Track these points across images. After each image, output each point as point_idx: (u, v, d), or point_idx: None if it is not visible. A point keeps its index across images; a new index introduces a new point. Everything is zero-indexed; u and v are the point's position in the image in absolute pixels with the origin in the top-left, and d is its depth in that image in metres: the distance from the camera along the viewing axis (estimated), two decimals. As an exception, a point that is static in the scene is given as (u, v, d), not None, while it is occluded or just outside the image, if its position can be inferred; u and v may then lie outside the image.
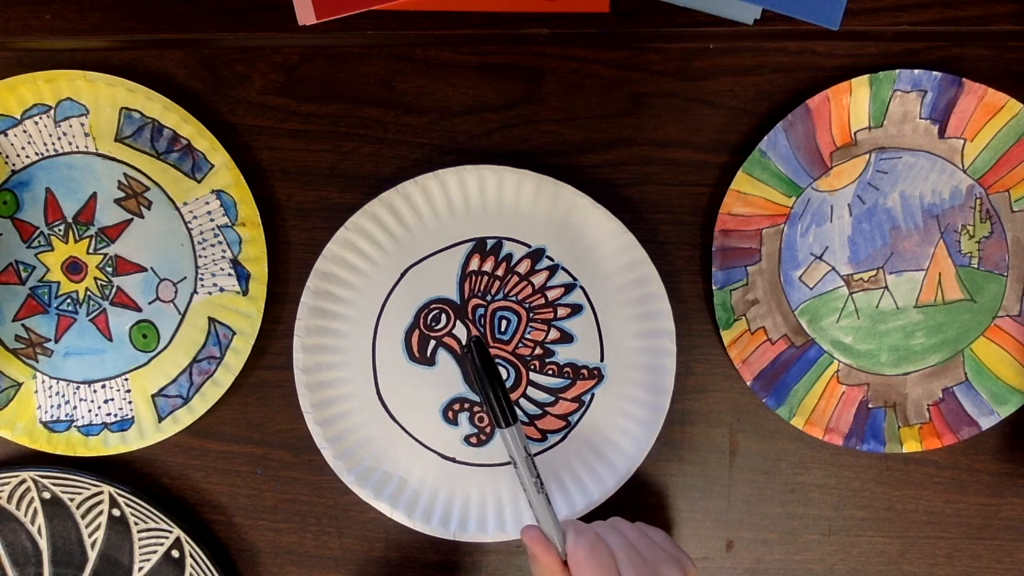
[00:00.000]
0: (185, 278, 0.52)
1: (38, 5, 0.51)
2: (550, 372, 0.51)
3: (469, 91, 0.51)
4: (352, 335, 0.52)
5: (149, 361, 0.52)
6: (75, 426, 0.53)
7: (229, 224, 0.51)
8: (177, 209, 0.52)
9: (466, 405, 0.52)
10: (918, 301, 0.50)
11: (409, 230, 0.51)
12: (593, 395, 0.52)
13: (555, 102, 0.51)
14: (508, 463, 0.52)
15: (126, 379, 0.53)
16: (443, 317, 0.51)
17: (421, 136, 0.51)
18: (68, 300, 0.52)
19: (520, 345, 0.51)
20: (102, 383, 0.53)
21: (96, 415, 0.53)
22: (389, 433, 0.52)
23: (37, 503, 0.54)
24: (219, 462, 0.54)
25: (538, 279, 0.51)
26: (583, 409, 0.52)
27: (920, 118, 0.49)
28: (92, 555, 0.54)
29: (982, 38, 0.49)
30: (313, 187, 0.52)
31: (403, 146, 0.51)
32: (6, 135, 0.51)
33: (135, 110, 0.50)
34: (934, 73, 0.48)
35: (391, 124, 0.51)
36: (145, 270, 0.52)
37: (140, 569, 0.54)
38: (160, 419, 0.52)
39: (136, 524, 0.53)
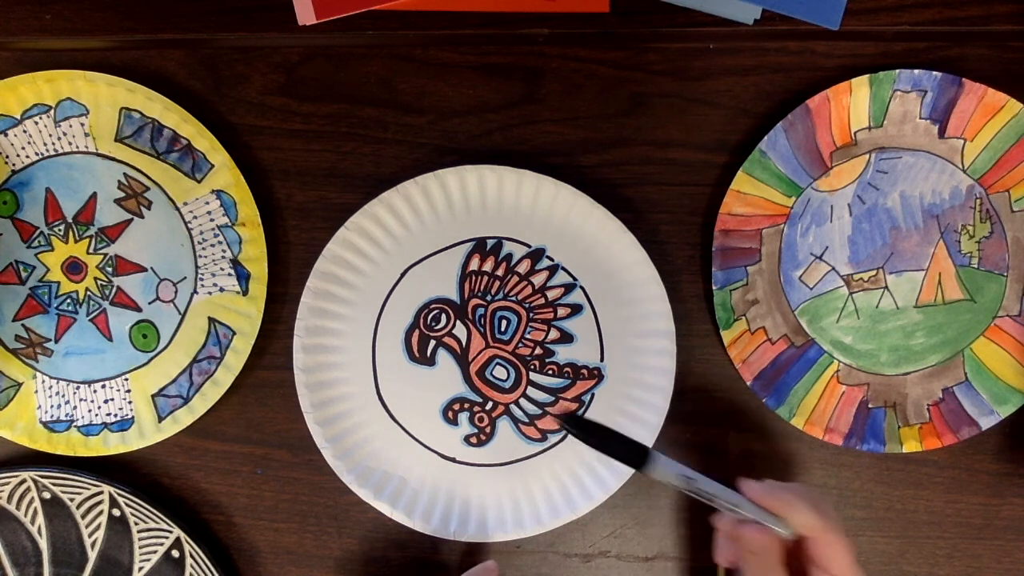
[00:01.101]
0: (185, 278, 0.52)
1: (38, 5, 0.51)
2: (550, 372, 0.51)
3: (469, 91, 0.51)
4: (352, 335, 0.52)
5: (149, 361, 0.52)
6: (75, 426, 0.53)
7: (229, 224, 0.51)
8: (177, 209, 0.52)
9: (466, 405, 0.52)
10: (918, 301, 0.50)
11: (409, 230, 0.51)
12: (593, 395, 0.51)
13: (555, 102, 0.51)
14: (508, 463, 0.52)
15: (126, 379, 0.53)
16: (443, 317, 0.51)
17: (421, 136, 0.51)
18: (68, 300, 0.52)
19: (520, 345, 0.51)
20: (102, 383, 0.53)
21: (96, 415, 0.53)
22: (389, 433, 0.52)
23: (37, 503, 0.54)
24: (219, 462, 0.54)
25: (538, 279, 0.51)
26: (583, 409, 0.52)
27: (920, 118, 0.49)
28: (92, 555, 0.54)
29: (982, 38, 0.49)
30: (313, 187, 0.52)
31: (403, 146, 0.51)
32: (6, 135, 0.51)
33: (135, 110, 0.50)
34: (934, 73, 0.48)
35: (391, 124, 0.51)
36: (145, 270, 0.52)
37: (140, 569, 0.54)
38: (160, 419, 0.52)
39: (136, 524, 0.53)
